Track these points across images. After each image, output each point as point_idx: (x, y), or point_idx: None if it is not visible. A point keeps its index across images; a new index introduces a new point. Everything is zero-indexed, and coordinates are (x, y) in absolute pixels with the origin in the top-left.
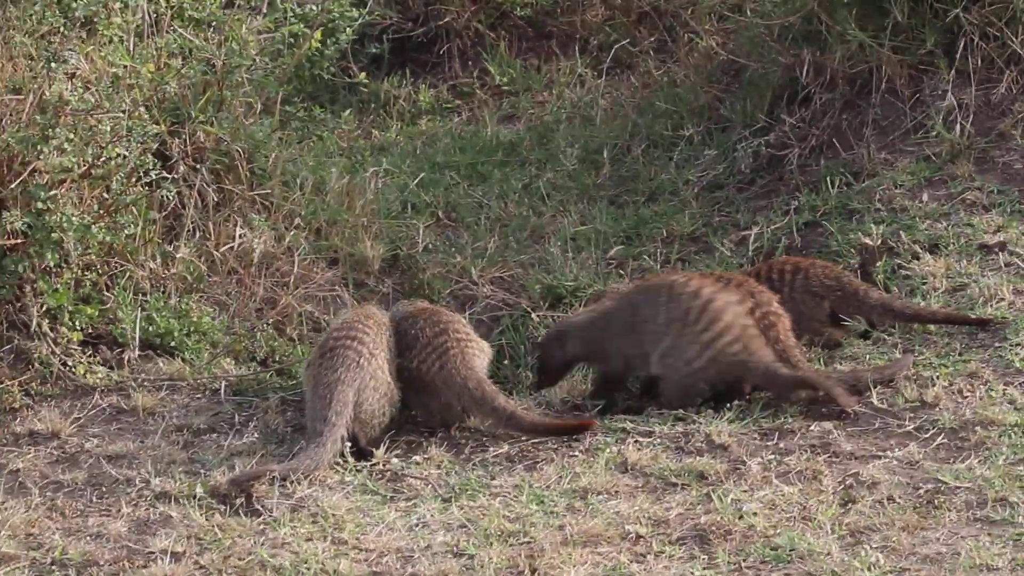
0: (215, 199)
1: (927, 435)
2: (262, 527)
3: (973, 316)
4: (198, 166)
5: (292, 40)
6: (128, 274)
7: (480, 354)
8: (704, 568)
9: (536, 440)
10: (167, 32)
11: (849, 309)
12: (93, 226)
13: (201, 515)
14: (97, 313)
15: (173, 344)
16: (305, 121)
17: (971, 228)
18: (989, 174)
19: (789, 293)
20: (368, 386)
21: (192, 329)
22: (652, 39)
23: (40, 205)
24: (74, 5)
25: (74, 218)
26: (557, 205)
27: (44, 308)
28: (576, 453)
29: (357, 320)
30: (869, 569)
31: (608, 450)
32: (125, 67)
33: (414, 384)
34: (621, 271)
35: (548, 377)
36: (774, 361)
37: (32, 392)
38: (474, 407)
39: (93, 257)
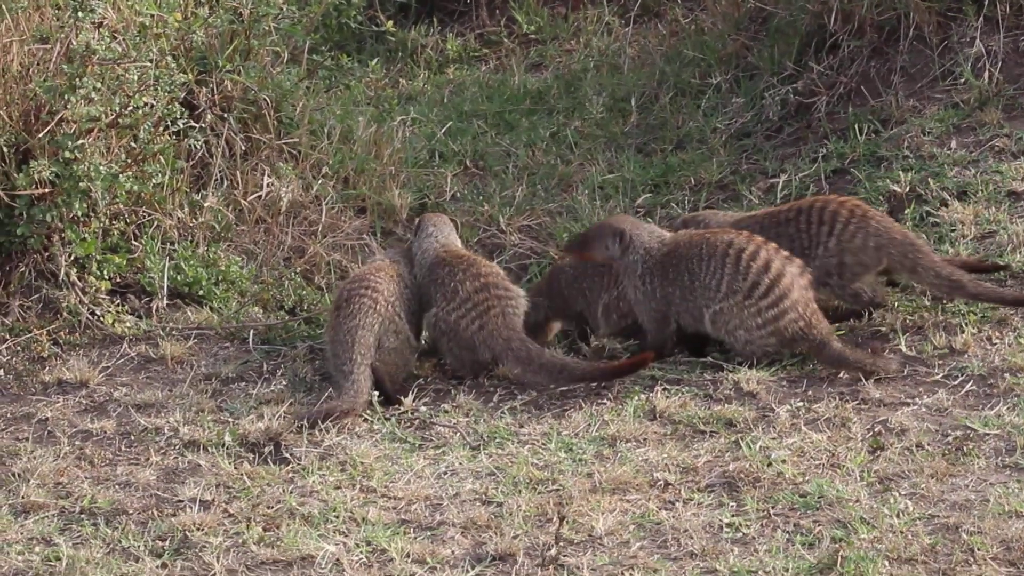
0: (243, 148)
1: (956, 382)
2: (291, 475)
3: (989, 263)
4: (225, 115)
5: None
6: (156, 223)
7: (519, 309)
8: (733, 515)
9: (564, 387)
10: None
11: None
12: (121, 175)
13: (230, 463)
14: (125, 262)
15: (201, 293)
16: (332, 70)
17: (999, 175)
18: (1017, 121)
19: None
20: (389, 329)
21: (220, 278)
22: None
23: (68, 154)
24: None
25: (102, 167)
26: (585, 153)
27: (72, 257)
28: (605, 401)
29: (369, 272)
30: (898, 516)
31: (637, 398)
32: (152, 16)
33: (449, 335)
34: (649, 219)
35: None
36: (830, 334)
37: (60, 341)
38: (519, 366)
39: (121, 206)
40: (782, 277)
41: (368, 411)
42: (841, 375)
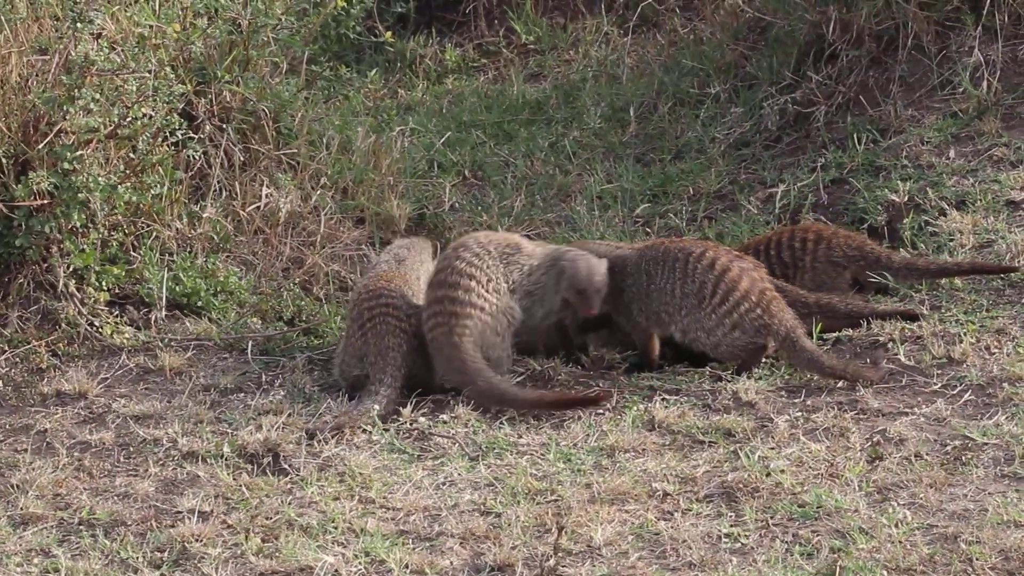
0: (241, 159)
1: (954, 392)
2: (289, 486)
3: (996, 264)
4: (224, 126)
5: None
6: (155, 234)
7: (477, 324)
8: (731, 526)
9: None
10: None
11: (874, 276)
12: (119, 186)
13: (228, 474)
14: (124, 273)
15: (200, 304)
16: (331, 80)
17: (998, 184)
18: (1016, 130)
19: (811, 262)
20: (415, 345)
21: (219, 289)
22: None
23: (66, 165)
24: None
25: (100, 178)
26: (583, 163)
27: (71, 268)
28: (603, 411)
29: (381, 285)
30: (896, 526)
31: (635, 408)
32: (151, 27)
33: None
34: (648, 229)
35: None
36: (796, 327)
37: (59, 352)
38: (462, 386)
39: (119, 217)
40: (728, 271)
41: (367, 422)
42: (839, 385)
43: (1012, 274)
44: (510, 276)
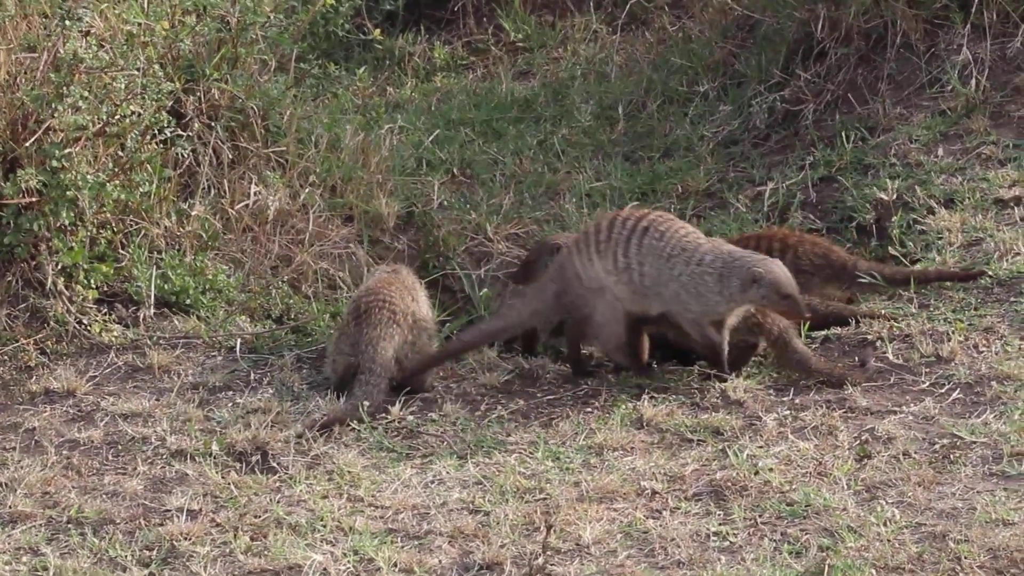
0: (230, 157)
1: (943, 390)
2: (278, 485)
3: (960, 271)
4: (213, 124)
5: None
6: (143, 232)
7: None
8: (720, 524)
9: (551, 396)
10: None
11: (839, 283)
12: (108, 184)
13: (217, 473)
14: (112, 271)
15: (188, 302)
16: (320, 78)
17: (986, 183)
18: (1004, 128)
19: None
20: (407, 340)
21: (207, 287)
22: None
23: (55, 163)
24: None
25: (89, 176)
26: (572, 161)
27: (59, 266)
28: (591, 409)
29: (381, 285)
30: (885, 524)
31: (623, 406)
32: (139, 24)
33: None
34: None
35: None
36: (789, 328)
37: (47, 350)
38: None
39: (108, 215)
40: None
41: (355, 420)
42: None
43: (1000, 273)
44: (634, 258)
